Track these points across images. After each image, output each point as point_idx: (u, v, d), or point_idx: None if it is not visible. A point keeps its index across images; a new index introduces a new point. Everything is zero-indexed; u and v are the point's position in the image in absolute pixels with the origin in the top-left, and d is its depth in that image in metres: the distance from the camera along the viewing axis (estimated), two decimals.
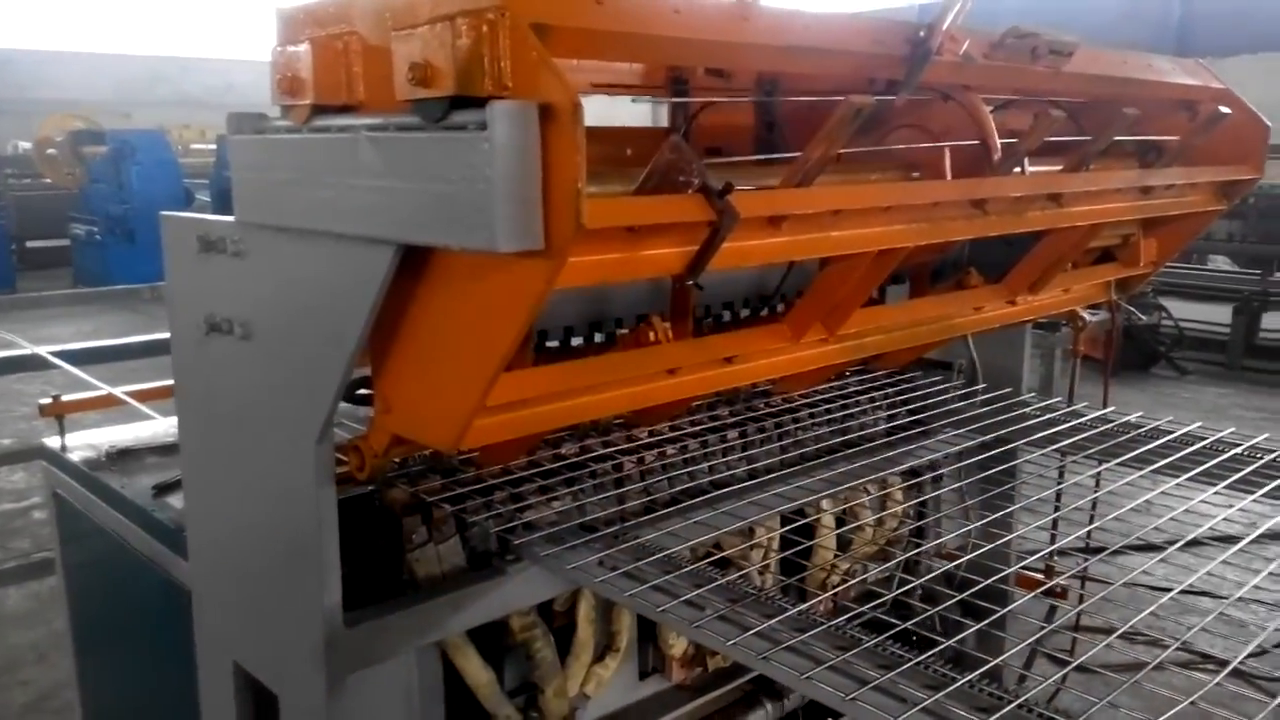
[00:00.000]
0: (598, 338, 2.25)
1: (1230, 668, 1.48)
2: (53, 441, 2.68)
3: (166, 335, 1.96)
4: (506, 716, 2.08)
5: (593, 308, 2.19)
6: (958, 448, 2.53)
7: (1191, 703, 1.35)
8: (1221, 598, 1.70)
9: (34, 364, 4.47)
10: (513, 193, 1.19)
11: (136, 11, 27.03)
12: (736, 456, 2.38)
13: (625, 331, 2.09)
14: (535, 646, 2.09)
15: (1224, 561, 1.82)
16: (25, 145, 19.19)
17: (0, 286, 13.72)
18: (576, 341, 2.21)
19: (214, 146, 17.41)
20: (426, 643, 1.88)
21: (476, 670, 2.00)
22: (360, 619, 1.72)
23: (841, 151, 1.79)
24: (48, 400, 2.90)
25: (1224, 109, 2.34)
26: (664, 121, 2.79)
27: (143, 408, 3.05)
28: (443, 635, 1.90)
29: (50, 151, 17.06)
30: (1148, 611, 1.63)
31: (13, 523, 6.16)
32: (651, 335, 1.91)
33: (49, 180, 17.24)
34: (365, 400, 1.79)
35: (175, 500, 2.20)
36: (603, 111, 2.48)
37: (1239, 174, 2.52)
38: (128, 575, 2.33)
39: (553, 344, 2.15)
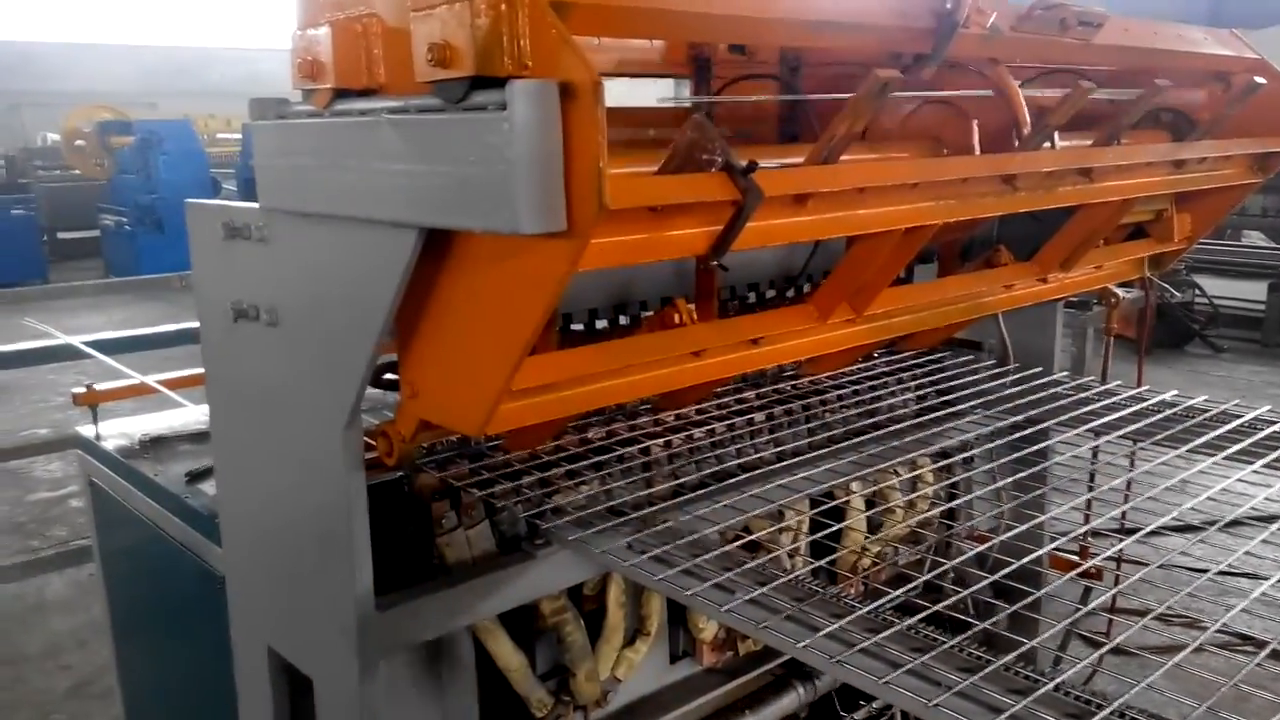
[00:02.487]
0: (622, 320, 2.24)
1: (1269, 649, 1.46)
2: (87, 430, 2.71)
3: (196, 324, 1.97)
4: (538, 700, 2.09)
5: (617, 290, 2.18)
6: (989, 428, 2.50)
7: (1233, 685, 1.33)
8: (1261, 578, 1.67)
9: (67, 354, 4.53)
10: (534, 173, 1.18)
11: (160, 2, 27.21)
12: (764, 439, 2.36)
13: (650, 314, 2.08)
14: (566, 630, 2.09)
15: (1263, 541, 1.79)
16: (54, 137, 19.42)
17: (32, 277, 13.90)
18: (601, 324, 2.20)
19: (239, 135, 17.52)
20: (458, 627, 1.89)
21: (508, 654, 2.01)
22: (392, 603, 1.73)
23: (867, 128, 1.76)
24: (81, 389, 2.93)
25: (1259, 80, 2.29)
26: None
27: (174, 396, 3.07)
28: (474, 619, 1.90)
29: (78, 143, 17.25)
30: (1185, 592, 1.60)
31: (51, 511, 6.26)
32: (676, 317, 1.90)
33: (78, 171, 17.44)
34: (392, 385, 1.79)
35: (208, 487, 2.22)
36: (625, 92, 2.46)
37: (1275, 146, 2.47)
38: (163, 562, 2.36)
39: (577, 327, 2.15)
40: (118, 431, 2.66)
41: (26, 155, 19.47)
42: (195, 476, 2.30)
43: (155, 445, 2.54)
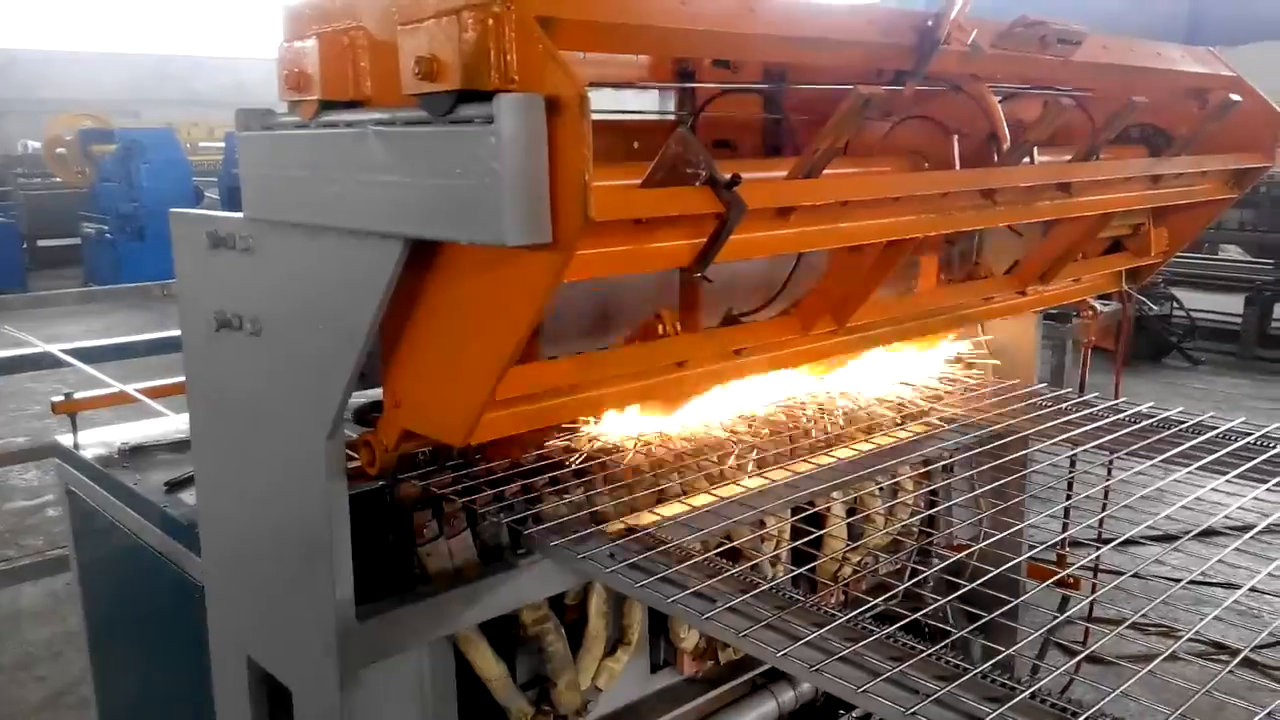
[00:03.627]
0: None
1: (1241, 656, 1.48)
2: (66, 439, 2.69)
3: (177, 332, 1.97)
4: (519, 709, 2.09)
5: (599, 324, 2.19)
6: (968, 438, 2.53)
7: (1206, 693, 1.35)
8: (1234, 587, 1.70)
9: (46, 362, 4.50)
10: (520, 186, 1.19)
11: (144, 10, 27.12)
12: (746, 447, 2.37)
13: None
14: (547, 640, 2.09)
15: (1236, 550, 1.81)
16: (35, 144, 19.27)
17: (12, 285, 13.76)
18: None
19: (222, 144, 17.45)
20: (439, 636, 1.89)
21: (489, 663, 2.01)
22: (372, 613, 1.73)
23: (849, 142, 1.78)
24: (60, 398, 2.91)
25: (1235, 97, 2.33)
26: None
27: (155, 405, 3.06)
28: (455, 629, 1.90)
29: (60, 150, 17.12)
30: (1159, 600, 1.62)
31: (27, 520, 6.20)
32: (660, 328, 1.91)
33: (59, 179, 17.30)
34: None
35: (188, 496, 2.21)
36: (609, 102, 2.48)
37: (1250, 162, 2.51)
38: (141, 571, 2.34)
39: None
40: (97, 440, 2.65)
41: (7, 163, 19.31)
42: (175, 486, 2.29)
43: (135, 454, 2.52)
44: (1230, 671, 1.40)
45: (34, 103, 22.76)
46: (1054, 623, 1.70)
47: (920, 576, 1.87)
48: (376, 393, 1.75)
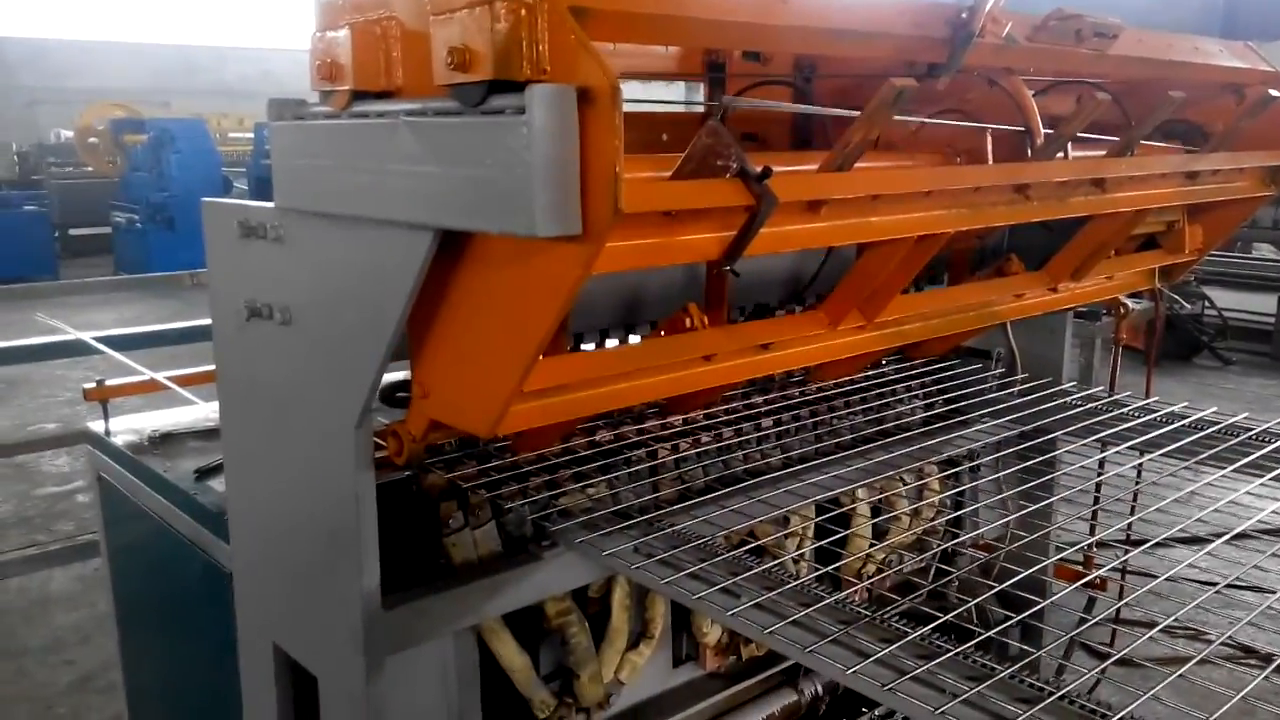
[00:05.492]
0: (633, 339, 2.25)
1: (1277, 663, 1.46)
2: (97, 426, 2.72)
3: (207, 321, 1.98)
4: (542, 701, 2.09)
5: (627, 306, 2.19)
6: (996, 438, 2.50)
7: (1239, 698, 1.33)
8: (1267, 591, 1.67)
9: (77, 349, 4.55)
10: (551, 177, 1.19)
11: (174, 1, 27.36)
12: (771, 445, 2.37)
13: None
14: (570, 632, 2.10)
15: (1272, 554, 1.78)
16: (67, 134, 19.49)
17: (43, 273, 13.97)
18: (612, 343, 2.21)
19: (251, 135, 17.59)
20: (463, 627, 1.90)
21: (512, 655, 2.02)
22: (398, 602, 1.74)
23: (881, 135, 1.77)
24: (92, 385, 2.94)
25: (1273, 92, 2.28)
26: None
27: (185, 393, 3.08)
28: (479, 620, 1.91)
29: (92, 140, 17.33)
30: (1192, 606, 1.60)
31: (57, 505, 6.29)
32: (688, 322, 1.91)
33: (90, 168, 17.52)
34: (405, 404, 1.80)
35: (217, 484, 2.23)
36: (638, 91, 2.47)
37: None
38: (170, 557, 2.37)
39: (588, 346, 2.15)
40: (127, 427, 2.67)
41: (40, 152, 19.56)
42: (204, 473, 2.31)
43: (165, 441, 2.55)
44: (1266, 678, 1.38)
45: (66, 92, 22.99)
46: (1084, 626, 1.68)
47: (948, 578, 1.85)
48: (403, 373, 1.75)
